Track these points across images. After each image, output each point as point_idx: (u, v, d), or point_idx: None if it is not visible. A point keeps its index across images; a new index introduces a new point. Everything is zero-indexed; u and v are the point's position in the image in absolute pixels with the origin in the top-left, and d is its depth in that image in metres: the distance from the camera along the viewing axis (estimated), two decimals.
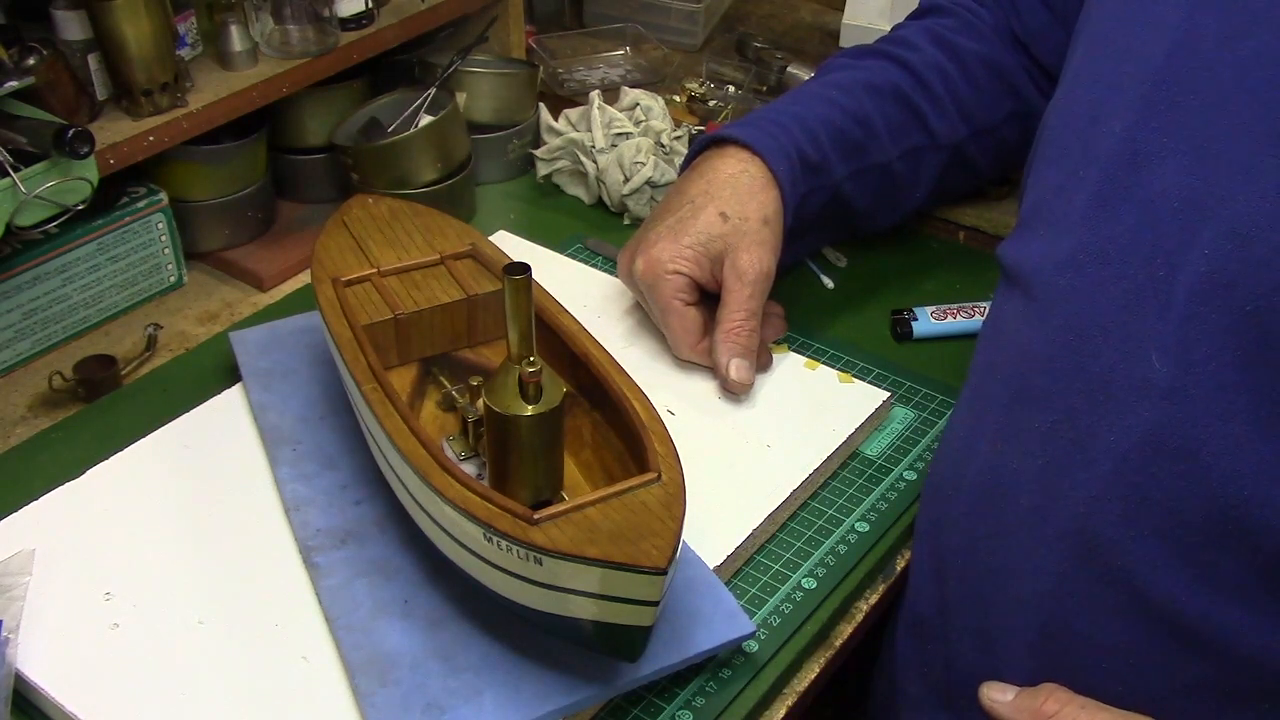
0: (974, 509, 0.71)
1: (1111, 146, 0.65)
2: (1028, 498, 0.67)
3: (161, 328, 0.95)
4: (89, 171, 0.83)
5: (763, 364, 0.86)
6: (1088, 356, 0.64)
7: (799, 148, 0.87)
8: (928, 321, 0.93)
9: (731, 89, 1.23)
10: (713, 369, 0.84)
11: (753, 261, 0.83)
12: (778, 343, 0.90)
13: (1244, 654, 0.61)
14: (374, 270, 0.80)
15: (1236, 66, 0.61)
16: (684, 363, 0.86)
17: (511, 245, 0.99)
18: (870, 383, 0.86)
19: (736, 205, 0.84)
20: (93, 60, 0.90)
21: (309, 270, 0.93)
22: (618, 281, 0.96)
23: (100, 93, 0.91)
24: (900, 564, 0.78)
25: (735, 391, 0.83)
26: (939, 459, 0.76)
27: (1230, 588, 0.61)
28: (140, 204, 0.95)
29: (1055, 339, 0.66)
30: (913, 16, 0.99)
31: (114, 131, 0.89)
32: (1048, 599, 0.66)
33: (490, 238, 0.88)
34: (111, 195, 0.94)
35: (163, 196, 0.97)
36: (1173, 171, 0.62)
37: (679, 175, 0.90)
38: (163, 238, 0.98)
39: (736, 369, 0.83)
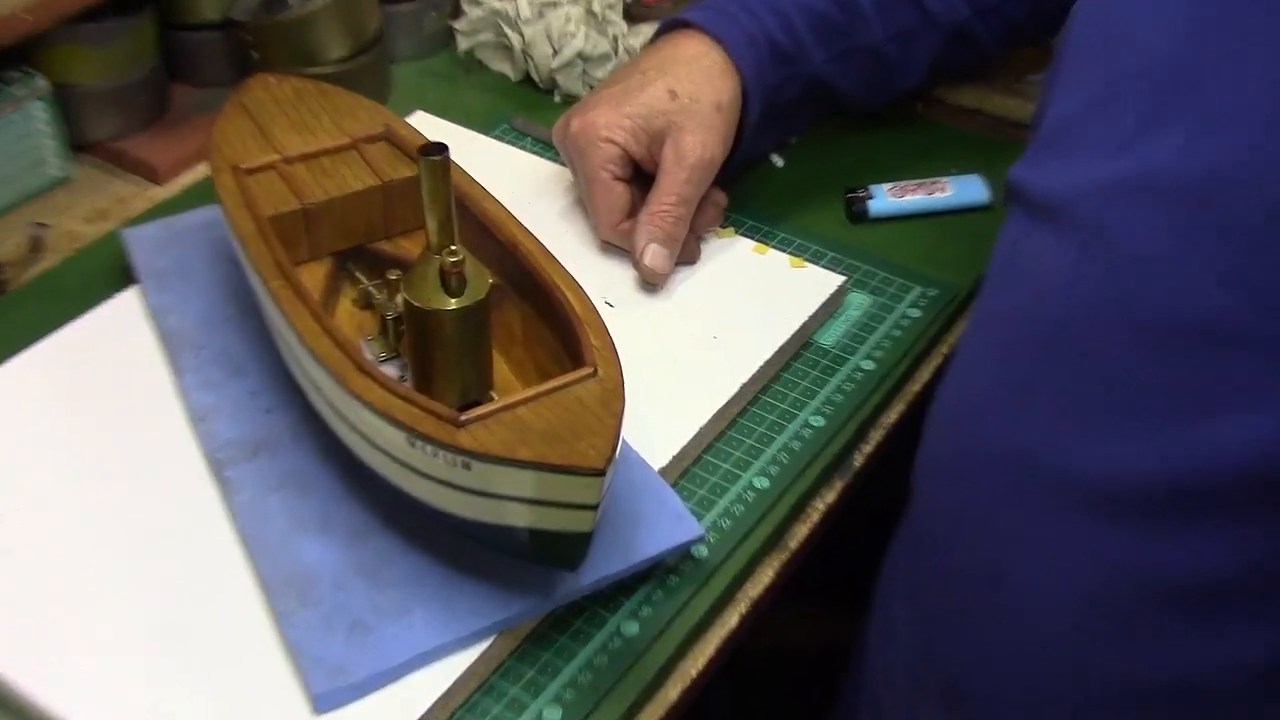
0: (991, 475, 0.65)
1: (1160, 52, 0.59)
2: (1053, 461, 0.61)
3: (48, 227, 0.93)
4: None
5: (688, 255, 0.85)
6: (1135, 302, 0.58)
7: (769, 36, 0.85)
8: (884, 199, 0.93)
9: None
10: (630, 254, 0.83)
11: (696, 145, 0.82)
12: (724, 226, 0.89)
13: None
14: (278, 157, 0.78)
15: None
16: (624, 252, 0.85)
17: (431, 127, 0.97)
18: (824, 266, 0.86)
19: (690, 85, 0.83)
20: None
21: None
22: (551, 165, 0.94)
23: None
24: (859, 460, 0.78)
25: (648, 280, 0.83)
26: (941, 419, 0.71)
27: None
28: (17, 90, 0.92)
29: (1097, 282, 0.60)
30: None
31: None
32: (1085, 580, 0.61)
33: (407, 119, 0.86)
34: None
35: (43, 82, 0.93)
36: (1236, 83, 0.55)
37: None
38: (44, 128, 0.94)
39: (653, 255, 0.82)
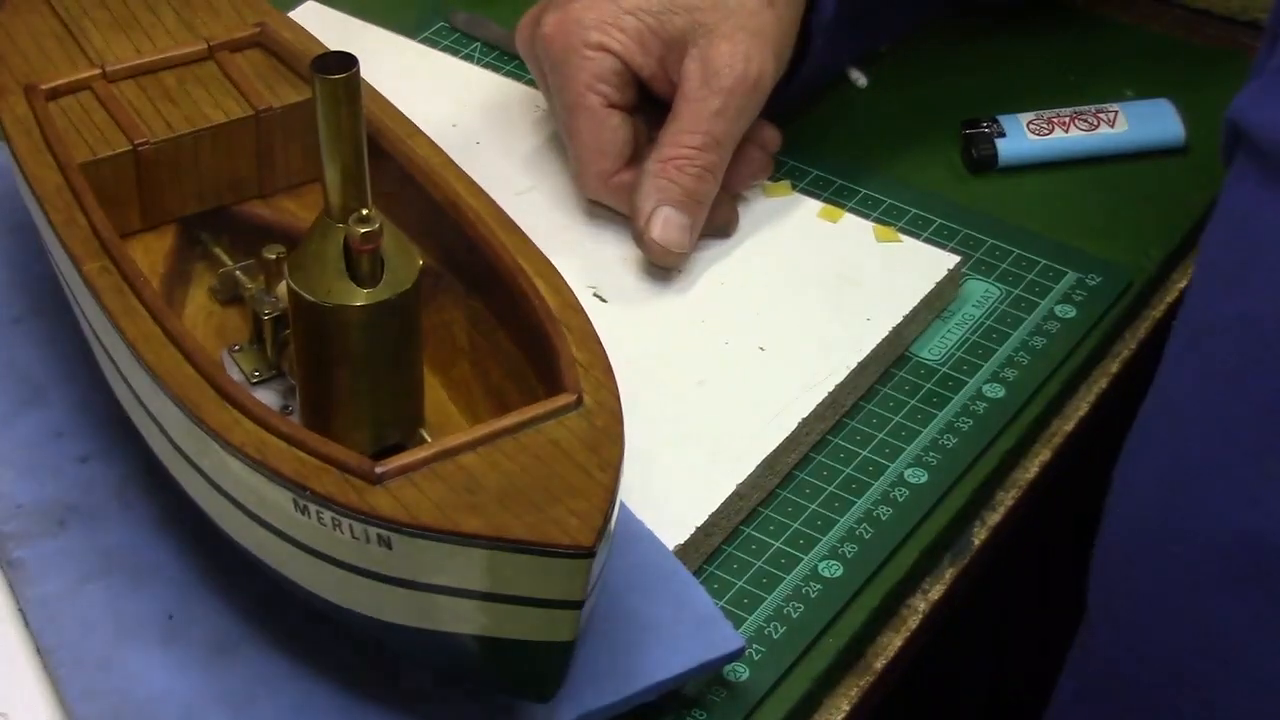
0: (1225, 579, 0.66)
1: None
2: None
3: None
4: None
5: (721, 224, 0.87)
6: None
7: None
8: (1022, 138, 0.94)
9: None
10: (631, 222, 0.85)
11: (735, 57, 0.83)
12: (775, 178, 0.90)
13: None
14: (96, 72, 0.79)
15: None
16: (620, 219, 0.87)
17: (328, 27, 0.98)
18: (928, 240, 0.88)
19: None
20: None
21: None
22: (511, 84, 0.96)
23: None
24: (980, 534, 0.79)
25: (659, 262, 0.85)
26: (1135, 489, 0.72)
27: None
28: None
29: None
30: None
31: None
32: None
33: (291, 14, 0.88)
34: None
35: None
36: None
37: None
38: None
39: (664, 225, 0.83)
